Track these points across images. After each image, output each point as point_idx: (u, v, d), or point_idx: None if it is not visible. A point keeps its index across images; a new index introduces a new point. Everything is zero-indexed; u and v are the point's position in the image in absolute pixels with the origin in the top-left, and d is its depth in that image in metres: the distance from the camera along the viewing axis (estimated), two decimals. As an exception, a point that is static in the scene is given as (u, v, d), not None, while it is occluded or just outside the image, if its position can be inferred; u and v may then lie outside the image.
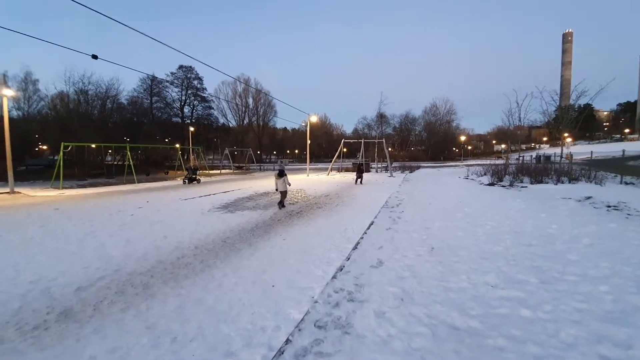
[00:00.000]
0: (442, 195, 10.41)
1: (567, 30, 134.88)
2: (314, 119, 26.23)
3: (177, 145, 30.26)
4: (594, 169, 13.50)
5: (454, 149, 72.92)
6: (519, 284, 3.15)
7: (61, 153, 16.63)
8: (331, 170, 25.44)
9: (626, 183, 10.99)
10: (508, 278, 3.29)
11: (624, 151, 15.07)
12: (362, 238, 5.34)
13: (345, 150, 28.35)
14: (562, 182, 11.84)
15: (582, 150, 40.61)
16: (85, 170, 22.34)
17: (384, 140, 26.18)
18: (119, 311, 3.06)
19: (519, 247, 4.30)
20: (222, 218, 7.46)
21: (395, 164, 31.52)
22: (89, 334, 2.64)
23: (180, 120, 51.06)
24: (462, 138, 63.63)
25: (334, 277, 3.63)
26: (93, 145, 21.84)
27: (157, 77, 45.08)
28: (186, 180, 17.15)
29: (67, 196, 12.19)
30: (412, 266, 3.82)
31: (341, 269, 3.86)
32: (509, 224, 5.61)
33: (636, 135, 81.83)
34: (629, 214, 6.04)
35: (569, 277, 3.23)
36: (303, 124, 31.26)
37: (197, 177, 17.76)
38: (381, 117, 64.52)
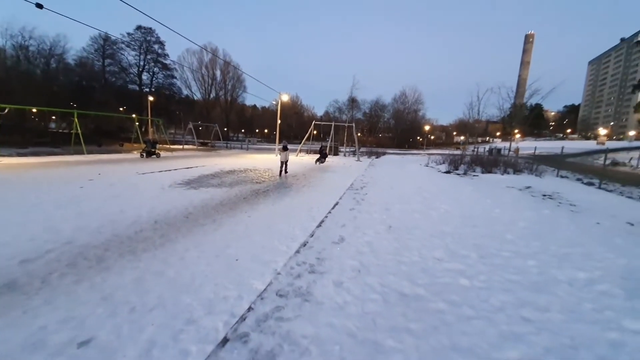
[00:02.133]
0: (404, 180, 10.99)
1: (529, 32, 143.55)
2: (285, 98, 25.60)
3: (134, 116, 27.83)
4: (536, 162, 15.08)
5: (419, 138, 76.23)
6: (462, 258, 3.56)
7: (-6, 115, 14.54)
8: (300, 151, 25.36)
9: (561, 176, 12.50)
10: (453, 253, 3.69)
11: (562, 148, 16.93)
12: (326, 217, 5.53)
13: (315, 132, 28.30)
14: (508, 173, 13.11)
15: (528, 145, 44.83)
16: (27, 137, 19.78)
17: (353, 125, 26.52)
18: (71, 283, 2.93)
19: (465, 228, 4.79)
20: (185, 194, 7.21)
21: (362, 149, 32.25)
22: (38, 305, 2.51)
23: (137, 88, 46.67)
24: (427, 128, 66.54)
25: (297, 251, 3.77)
26: (34, 110, 19.28)
27: (111, 37, 40.33)
28: (144, 154, 16.04)
29: (5, 165, 10.84)
30: (371, 242, 4.09)
31: (304, 245, 4.02)
32: (460, 208, 6.16)
33: (576, 136, 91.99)
34: (560, 202, 6.95)
35: (504, 253, 3.71)
36: (274, 102, 30.41)
37: (157, 151, 16.69)
38: (352, 102, 64.83)
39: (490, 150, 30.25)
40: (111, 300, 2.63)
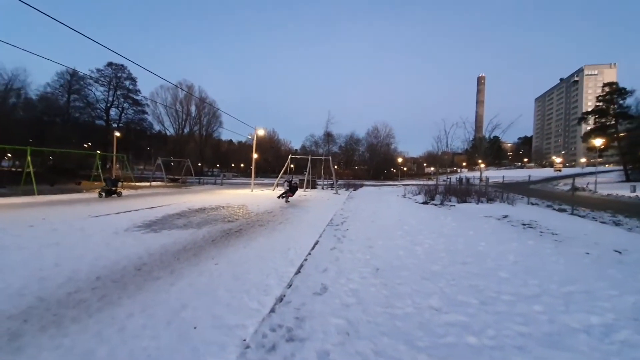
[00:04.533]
0: (383, 212, 10.72)
1: (480, 74, 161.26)
2: (261, 132, 25.55)
3: (98, 152, 26.18)
4: (505, 191, 15.65)
5: (392, 169, 78.90)
6: (461, 306, 3.10)
7: None
8: (277, 185, 24.80)
9: (532, 204, 12.91)
10: (450, 300, 3.23)
11: (529, 176, 17.92)
12: (305, 260, 4.94)
13: (292, 166, 28.11)
14: (482, 202, 13.35)
15: (494, 174, 47.56)
16: None
17: (330, 158, 26.72)
18: None
19: (455, 265, 4.41)
20: (142, 239, 6.31)
21: (340, 182, 32.34)
22: None
23: (105, 124, 44.88)
24: (400, 160, 69.37)
25: (272, 310, 3.13)
26: None
27: (78, 72, 39.28)
28: (103, 193, 14.63)
29: None
30: (357, 291, 3.55)
31: (281, 300, 3.38)
32: (444, 242, 5.85)
33: (532, 164, 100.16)
34: (541, 232, 6.89)
35: (505, 297, 3.32)
36: (250, 137, 30.23)
37: (118, 190, 15.36)
38: (328, 136, 66.69)
39: (460, 180, 31.56)
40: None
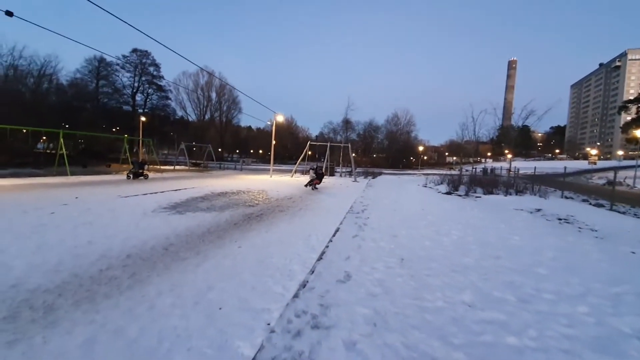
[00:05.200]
0: (405, 201, 10.45)
1: (512, 58, 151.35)
2: (280, 118, 25.44)
3: (126, 136, 27.21)
4: (533, 182, 14.79)
5: (412, 158, 76.88)
6: (498, 303, 2.92)
7: (-29, 135, 13.77)
8: (295, 172, 24.86)
9: (566, 197, 12.13)
10: (485, 296, 3.05)
11: (565, 168, 16.82)
12: (327, 247, 4.87)
13: (310, 153, 28.00)
14: (510, 194, 12.69)
15: (521, 165, 45.23)
16: (8, 157, 18.85)
17: (349, 145, 26.32)
18: (1, 346, 2.20)
19: (488, 259, 4.18)
20: (168, 220, 6.49)
21: (358, 169, 31.96)
22: None
23: (131, 109, 46.45)
24: (420, 148, 67.34)
25: (296, 295, 3.09)
26: (24, 130, 18.53)
27: (105, 58, 40.57)
28: (130, 175, 15.26)
29: (-28, 187, 9.98)
30: (383, 280, 3.44)
31: (304, 285, 3.34)
32: (473, 234, 5.58)
33: (564, 155, 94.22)
34: (579, 228, 6.43)
35: (546, 295, 3.09)
36: (269, 123, 30.28)
37: (145, 172, 15.94)
38: (346, 123, 65.68)
39: (485, 170, 30.24)
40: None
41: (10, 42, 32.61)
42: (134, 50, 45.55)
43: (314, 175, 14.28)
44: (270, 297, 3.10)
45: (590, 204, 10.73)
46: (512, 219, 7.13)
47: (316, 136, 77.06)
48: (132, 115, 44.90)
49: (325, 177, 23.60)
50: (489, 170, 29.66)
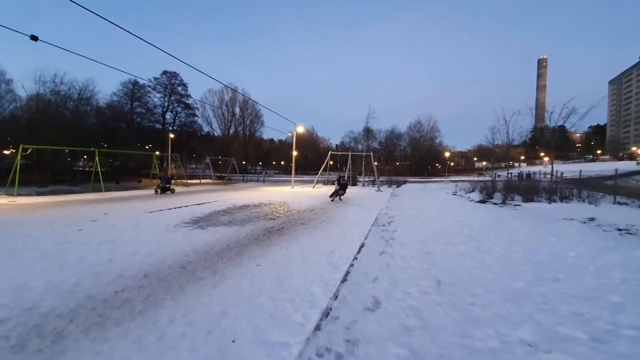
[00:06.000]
0: (434, 212, 9.75)
1: (542, 57, 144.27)
2: (300, 129, 25.56)
3: (157, 153, 28.63)
4: (582, 188, 13.36)
5: (437, 164, 74.30)
6: (566, 342, 2.35)
7: (19, 156, 14.98)
8: (317, 183, 24.62)
9: (619, 203, 10.77)
10: (548, 333, 2.48)
11: (616, 170, 15.06)
12: (352, 265, 4.45)
13: (331, 163, 27.73)
14: (554, 201, 11.53)
15: (560, 169, 41.96)
16: (48, 175, 20.39)
17: (371, 154, 25.75)
18: None
19: (544, 283, 3.54)
20: (189, 235, 6.39)
21: (382, 178, 31.13)
22: None
23: (161, 127, 49.19)
24: (447, 154, 64.87)
25: (318, 327, 2.70)
26: (67, 150, 20.04)
27: (139, 82, 43.51)
28: (158, 190, 15.77)
29: (17, 205, 10.67)
30: (419, 310, 2.96)
31: (327, 314, 2.95)
32: (520, 251, 4.89)
33: (607, 157, 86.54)
34: (646, 240, 5.50)
35: (627, 332, 2.47)
36: (290, 134, 30.56)
37: (171, 187, 16.41)
38: (368, 132, 65.12)
39: (520, 175, 28.25)
40: None
41: (52, 70, 36.11)
42: (164, 72, 48.64)
43: (338, 186, 14.02)
44: (288, 327, 2.74)
45: (652, 211, 9.39)
46: (563, 231, 6.28)
47: (336, 145, 76.92)
48: (162, 132, 47.45)
49: (348, 186, 23.17)
50: (524, 175, 27.68)
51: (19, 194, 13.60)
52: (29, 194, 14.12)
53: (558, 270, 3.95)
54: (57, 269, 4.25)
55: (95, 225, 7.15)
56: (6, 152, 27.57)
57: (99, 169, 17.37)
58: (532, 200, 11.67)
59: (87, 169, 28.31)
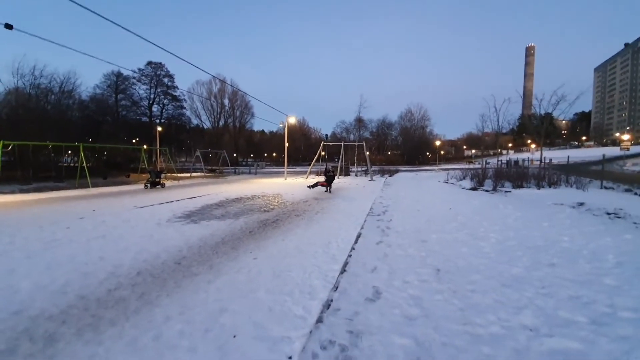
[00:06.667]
0: (428, 200, 9.82)
1: (529, 44, 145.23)
2: (292, 120, 25.24)
3: (145, 147, 27.89)
4: (569, 174, 13.64)
5: (428, 153, 74.98)
6: (567, 326, 2.37)
7: (-1, 153, 14.32)
8: (310, 174, 24.53)
9: (605, 188, 11.06)
10: (549, 317, 2.51)
11: (604, 155, 15.41)
12: (350, 256, 4.43)
13: (323, 153, 27.59)
14: (543, 187, 11.75)
15: (548, 155, 42.87)
16: (31, 172, 19.65)
17: (364, 144, 25.72)
18: None
19: (541, 267, 3.59)
20: (182, 230, 6.26)
21: (374, 168, 31.25)
22: None
23: (148, 120, 47.83)
24: (437, 143, 65.40)
25: (320, 319, 2.67)
26: (50, 146, 19.25)
27: (122, 73, 41.97)
28: (148, 185, 15.41)
29: (0, 203, 10.25)
30: (420, 298, 2.95)
31: (328, 305, 2.91)
32: (515, 236, 4.96)
33: (592, 143, 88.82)
34: (635, 223, 5.64)
35: (625, 314, 2.51)
36: (281, 126, 30.17)
37: (161, 181, 16.06)
38: (359, 122, 64.92)
39: (509, 162, 28.76)
40: None
41: (31, 62, 34.40)
42: (149, 63, 47.00)
43: (324, 177, 13.19)
44: (289, 321, 2.70)
45: (635, 194, 9.69)
46: (554, 216, 6.40)
47: (326, 135, 76.65)
48: (149, 125, 46.20)
49: (340, 177, 23.15)
50: (513, 162, 28.20)
51: (1, 192, 13.07)
52: (12, 192, 13.60)
53: (553, 255, 4.02)
54: (45, 269, 4.08)
55: (84, 222, 6.92)
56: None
57: (84, 164, 16.80)
58: (521, 187, 11.89)
59: (72, 164, 27.42)
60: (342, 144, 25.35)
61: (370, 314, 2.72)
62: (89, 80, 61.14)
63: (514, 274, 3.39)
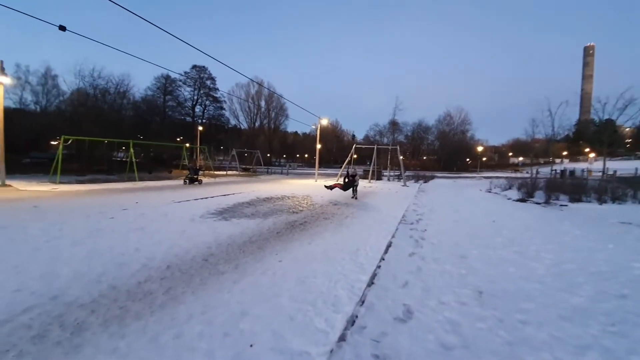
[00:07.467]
0: (468, 210, 9.09)
1: (588, 44, 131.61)
2: (324, 122, 25.20)
3: (187, 145, 29.71)
4: (636, 188, 11.87)
5: (467, 159, 70.67)
6: (650, 380, 1.90)
7: (60, 146, 16.04)
8: (341, 176, 24.26)
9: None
10: (624, 365, 2.04)
11: None
12: (379, 267, 4.15)
13: (355, 156, 27.17)
14: (606, 202, 10.35)
15: (609, 166, 38.14)
16: (87, 165, 21.84)
17: (397, 147, 24.87)
18: None
19: (608, 298, 3.02)
20: (213, 227, 6.39)
21: (408, 173, 30.09)
22: None
23: (191, 120, 51.02)
24: (479, 149, 61.26)
25: (342, 337, 2.45)
26: (105, 141, 21.32)
27: (170, 76, 45.24)
28: (187, 181, 16.29)
29: (58, 192, 11.41)
30: (458, 324, 2.60)
31: (353, 322, 2.68)
32: (573, 258, 4.30)
33: (664, 153, 77.60)
34: None
35: None
36: (313, 127, 30.32)
37: (199, 178, 16.88)
38: (394, 125, 63.20)
39: (563, 172, 26.05)
40: None
41: (90, 65, 38.58)
42: (194, 67, 50.12)
43: (345, 180, 11.87)
44: (310, 334, 2.52)
45: None
46: (621, 237, 5.50)
47: (361, 139, 75.59)
48: (191, 125, 49.18)
49: (372, 181, 22.58)
50: (568, 172, 25.49)
51: (60, 182, 14.61)
52: (70, 182, 15.14)
53: (623, 284, 3.38)
54: (86, 257, 4.34)
55: (127, 213, 7.38)
56: (53, 142, 29.95)
57: (133, 159, 18.24)
58: (580, 201, 10.56)
59: (123, 159, 30.05)
60: (375, 147, 24.75)
61: (400, 336, 2.45)
62: (140, 82, 66.97)
63: (575, 305, 2.87)
